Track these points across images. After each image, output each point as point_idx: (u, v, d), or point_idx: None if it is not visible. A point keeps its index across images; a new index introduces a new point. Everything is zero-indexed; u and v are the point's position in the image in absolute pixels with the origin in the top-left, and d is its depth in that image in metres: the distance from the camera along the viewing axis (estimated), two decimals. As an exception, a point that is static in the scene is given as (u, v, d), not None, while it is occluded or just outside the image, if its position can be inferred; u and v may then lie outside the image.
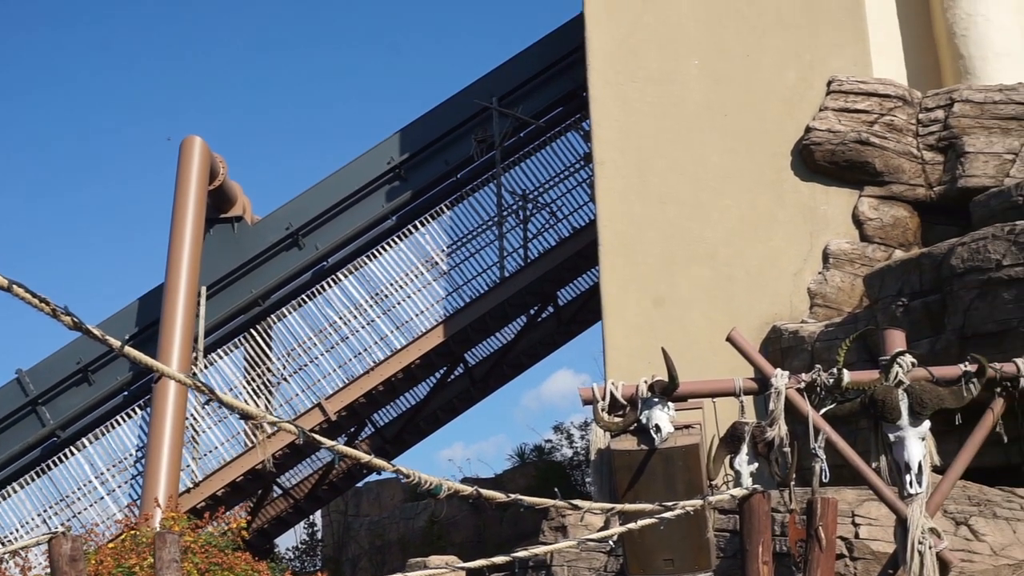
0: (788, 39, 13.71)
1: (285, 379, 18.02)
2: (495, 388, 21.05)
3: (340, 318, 17.98)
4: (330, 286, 18.18)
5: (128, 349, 3.36)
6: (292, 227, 18.91)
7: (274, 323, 18.38)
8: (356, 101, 57.82)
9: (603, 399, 7.47)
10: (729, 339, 7.45)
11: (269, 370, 18.07)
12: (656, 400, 7.33)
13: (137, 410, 17.95)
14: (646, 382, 7.38)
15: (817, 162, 13.16)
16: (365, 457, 4.05)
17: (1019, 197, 10.99)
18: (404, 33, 56.84)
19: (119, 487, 17.51)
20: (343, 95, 57.93)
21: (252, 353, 18.09)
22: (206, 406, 17.52)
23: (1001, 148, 12.66)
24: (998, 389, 7.40)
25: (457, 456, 56.15)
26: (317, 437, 3.95)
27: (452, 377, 20.00)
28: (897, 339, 7.36)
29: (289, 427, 3.90)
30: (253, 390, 17.90)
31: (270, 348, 18.27)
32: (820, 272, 12.88)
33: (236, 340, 18.43)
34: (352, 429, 19.40)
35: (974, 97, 13.18)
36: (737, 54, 13.76)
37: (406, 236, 18.31)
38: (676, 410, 7.44)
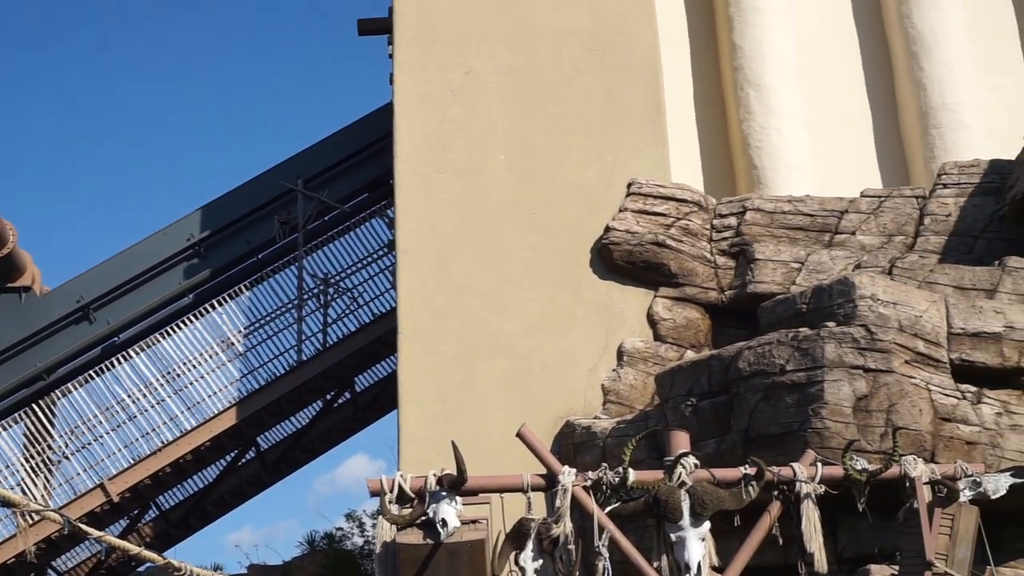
0: (592, 140, 14.02)
1: (67, 457, 17.37)
2: (287, 473, 20.72)
3: (129, 396, 17.48)
4: (120, 362, 17.67)
5: None
6: (83, 300, 18.38)
7: (59, 398, 17.73)
8: (158, 176, 56.75)
9: (391, 491, 7.41)
10: (519, 435, 7.49)
11: (50, 447, 17.38)
12: (444, 494, 7.32)
13: (-98, 486, 17.01)
14: (435, 475, 7.36)
15: (615, 261, 13.43)
16: (134, 549, 3.90)
17: (803, 305, 11.38)
18: (211, 112, 56.21)
19: None
20: (145, 169, 56.82)
21: (33, 429, 17.40)
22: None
23: (788, 257, 13.14)
24: (776, 492, 7.61)
25: (245, 541, 54.75)
26: (83, 527, 3.79)
27: (243, 461, 19.59)
28: (682, 440, 7.52)
29: (53, 516, 3.74)
30: (32, 468, 17.19)
31: (53, 425, 17.60)
32: (614, 369, 13.09)
33: (17, 415, 17.72)
34: (136, 511, 18.77)
35: (765, 207, 13.69)
36: (542, 151, 14.00)
37: (202, 315, 17.98)
38: (464, 504, 7.43)
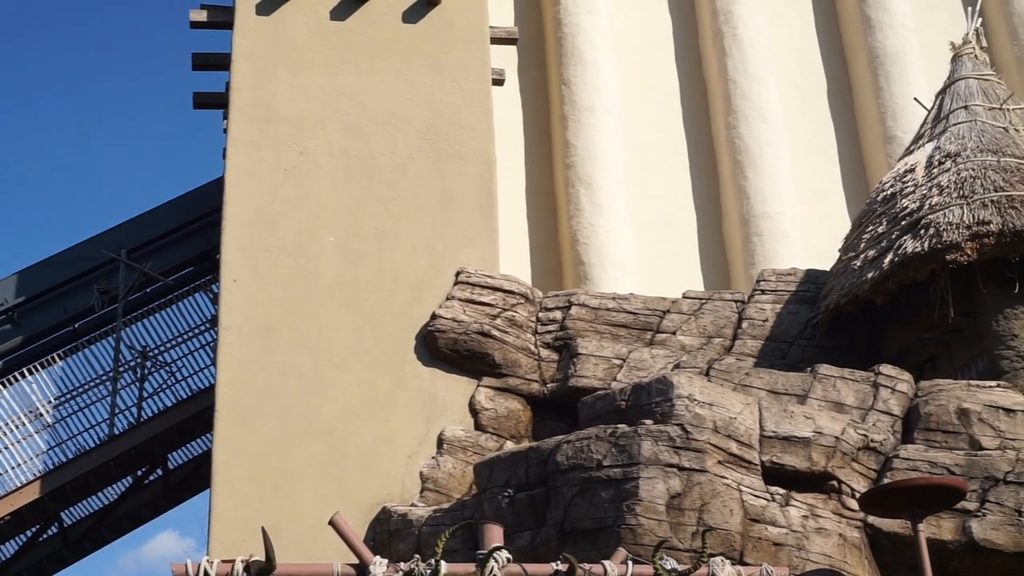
0: (423, 227, 14.07)
1: None
2: (91, 551, 20.01)
3: (-74, 465, 16.73)
4: (-82, 430, 16.93)
5: None
6: None
7: None
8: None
9: (196, 576, 7.22)
10: (331, 523, 7.39)
11: None
12: (251, 580, 7.16)
13: None
14: (243, 561, 7.20)
15: (440, 349, 13.43)
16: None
17: (622, 402, 11.52)
18: (35, 176, 54.74)
19: None
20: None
21: None
22: None
23: (611, 353, 13.34)
24: (587, 589, 7.65)
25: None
26: None
27: (44, 537, 18.86)
28: (495, 533, 7.51)
29: None
30: None
31: None
32: (434, 457, 13.03)
33: None
34: (-76, 587, 17.90)
35: (590, 302, 13.89)
36: (372, 236, 13.98)
37: (11, 383, 17.39)
38: (272, 591, 7.27)
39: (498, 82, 15.65)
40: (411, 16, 14.92)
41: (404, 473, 12.92)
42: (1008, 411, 11.34)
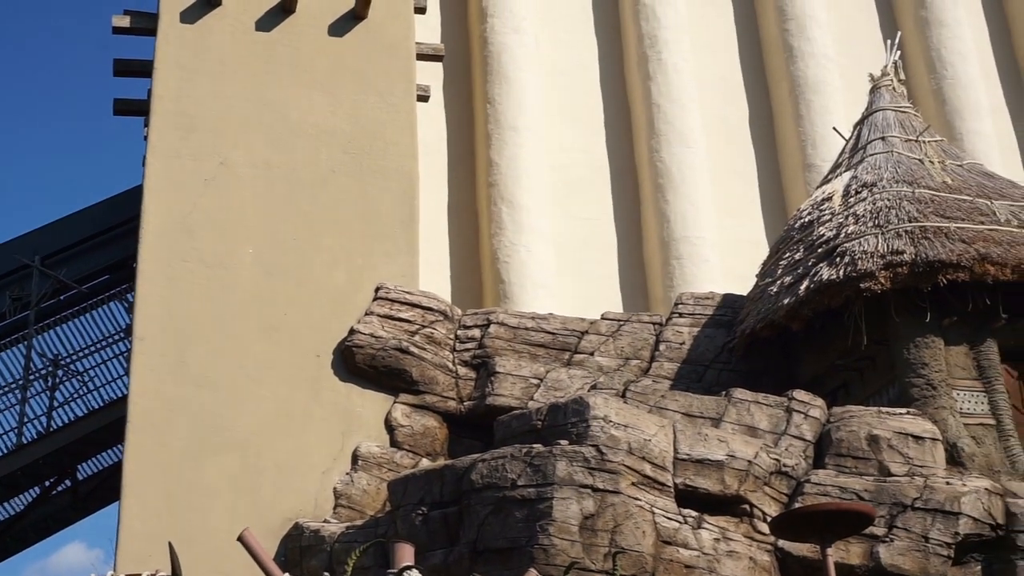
0: (343, 241, 14.00)
1: None
2: (-5, 562, 19.62)
3: None
4: None
5: None
6: None
7: None
8: None
9: (101, 590, 7.11)
10: (240, 539, 7.31)
11: None
12: (157, 595, 7.06)
13: None
14: (149, 576, 7.11)
15: (357, 364, 13.36)
16: None
17: (538, 421, 11.54)
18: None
19: None
20: None
21: None
22: None
23: (528, 372, 13.35)
24: (497, 609, 7.63)
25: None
26: None
27: (-54, 547, 18.48)
28: (406, 553, 7.48)
29: None
30: None
31: None
32: (348, 473, 12.95)
33: None
34: None
35: (509, 321, 13.90)
36: (292, 249, 13.88)
37: (-83, 389, 17.04)
38: (178, 607, 7.17)
39: (423, 98, 15.64)
40: (337, 30, 14.87)
41: (318, 489, 12.81)
42: (917, 438, 11.53)
